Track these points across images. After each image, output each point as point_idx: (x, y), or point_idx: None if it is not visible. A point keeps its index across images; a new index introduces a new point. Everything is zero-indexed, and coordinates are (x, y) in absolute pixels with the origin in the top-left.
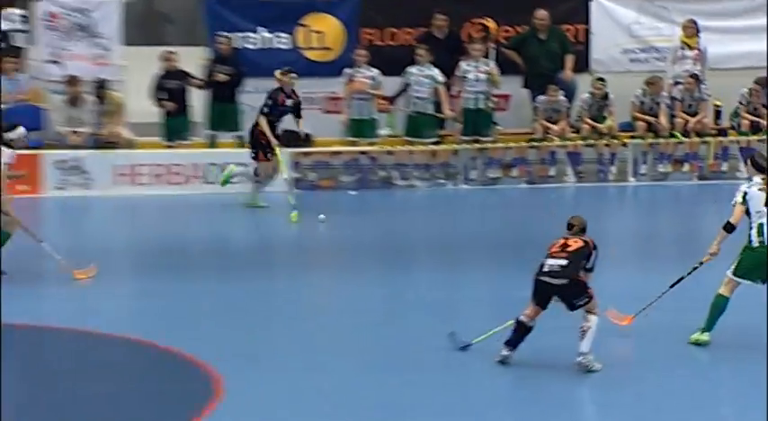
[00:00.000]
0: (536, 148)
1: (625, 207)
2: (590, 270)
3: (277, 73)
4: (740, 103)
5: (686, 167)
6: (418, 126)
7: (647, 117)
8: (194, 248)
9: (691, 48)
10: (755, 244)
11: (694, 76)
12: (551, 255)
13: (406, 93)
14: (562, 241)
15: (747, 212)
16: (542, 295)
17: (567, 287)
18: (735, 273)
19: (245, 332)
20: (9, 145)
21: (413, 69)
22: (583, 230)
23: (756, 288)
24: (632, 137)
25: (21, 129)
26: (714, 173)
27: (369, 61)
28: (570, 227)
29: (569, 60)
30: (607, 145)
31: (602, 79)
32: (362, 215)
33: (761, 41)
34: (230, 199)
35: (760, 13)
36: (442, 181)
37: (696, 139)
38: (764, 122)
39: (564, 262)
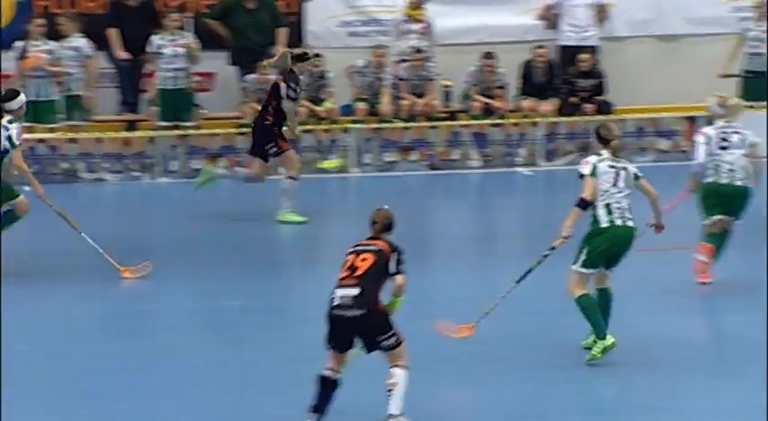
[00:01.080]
0: (246, 135)
1: (348, 202)
2: (396, 274)
3: (290, 55)
4: (472, 84)
5: (414, 156)
6: (67, 107)
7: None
8: None
9: (416, 20)
10: (604, 224)
11: (420, 52)
12: (341, 284)
13: None
14: (350, 260)
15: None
16: (339, 335)
17: (366, 319)
18: (585, 265)
19: None
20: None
21: (62, 43)
22: (387, 228)
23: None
24: (354, 121)
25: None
26: (445, 161)
27: (46, 32)
28: (372, 224)
29: (281, 34)
30: (327, 130)
31: (318, 55)
32: (38, 215)
33: (493, 14)
34: None
35: None
36: (137, 173)
37: (424, 124)
38: (497, 104)
39: (355, 291)
